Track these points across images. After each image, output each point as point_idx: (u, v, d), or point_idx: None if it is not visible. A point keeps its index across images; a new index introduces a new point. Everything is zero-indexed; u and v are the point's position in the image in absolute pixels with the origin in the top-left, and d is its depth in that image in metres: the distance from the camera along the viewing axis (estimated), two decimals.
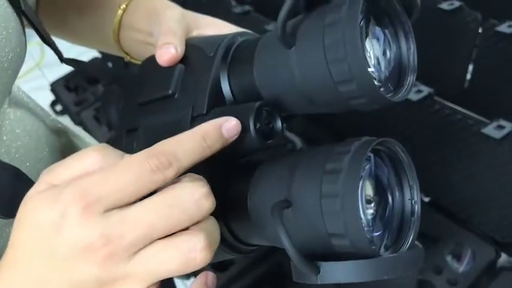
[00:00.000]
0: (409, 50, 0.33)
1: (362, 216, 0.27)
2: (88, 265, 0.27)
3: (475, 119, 0.95)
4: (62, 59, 0.47)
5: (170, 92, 0.37)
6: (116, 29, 0.49)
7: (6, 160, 0.43)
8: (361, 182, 0.28)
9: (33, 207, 0.28)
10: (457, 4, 1.15)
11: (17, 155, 0.45)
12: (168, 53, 0.38)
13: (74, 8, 0.54)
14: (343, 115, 1.15)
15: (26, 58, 0.46)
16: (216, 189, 0.30)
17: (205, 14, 0.46)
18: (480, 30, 1.15)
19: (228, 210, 0.34)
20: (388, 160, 0.32)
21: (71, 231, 0.27)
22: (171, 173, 0.28)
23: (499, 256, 1.00)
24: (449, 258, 1.01)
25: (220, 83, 0.36)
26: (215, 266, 1.10)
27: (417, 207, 0.31)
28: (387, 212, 0.31)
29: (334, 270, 0.27)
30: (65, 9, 0.54)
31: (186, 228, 0.28)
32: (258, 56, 0.34)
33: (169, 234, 0.28)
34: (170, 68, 0.38)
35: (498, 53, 1.13)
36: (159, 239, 0.28)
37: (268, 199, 0.31)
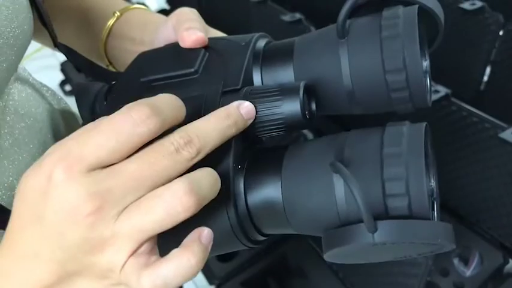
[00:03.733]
0: (426, 73, 0.35)
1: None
2: (76, 227, 0.26)
3: (492, 123, 0.93)
4: (56, 43, 0.46)
5: (193, 69, 0.36)
6: (106, 35, 0.49)
7: (9, 141, 0.42)
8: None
9: (24, 178, 0.27)
10: (479, 4, 1.14)
11: (20, 137, 0.44)
12: (195, 34, 0.38)
13: (63, 10, 0.53)
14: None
15: None
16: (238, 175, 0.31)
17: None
18: (501, 33, 1.13)
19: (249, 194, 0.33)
20: None
21: (57, 195, 0.26)
22: (153, 122, 0.27)
23: (506, 262, 0.99)
24: (456, 261, 1.00)
25: (252, 73, 0.36)
26: (218, 257, 1.10)
27: (435, 190, 0.33)
28: None
29: (392, 229, 0.27)
30: (55, 8, 0.53)
31: None
32: (299, 50, 0.35)
33: (159, 185, 0.27)
34: (192, 50, 0.38)
35: None
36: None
37: (315, 164, 0.31)
